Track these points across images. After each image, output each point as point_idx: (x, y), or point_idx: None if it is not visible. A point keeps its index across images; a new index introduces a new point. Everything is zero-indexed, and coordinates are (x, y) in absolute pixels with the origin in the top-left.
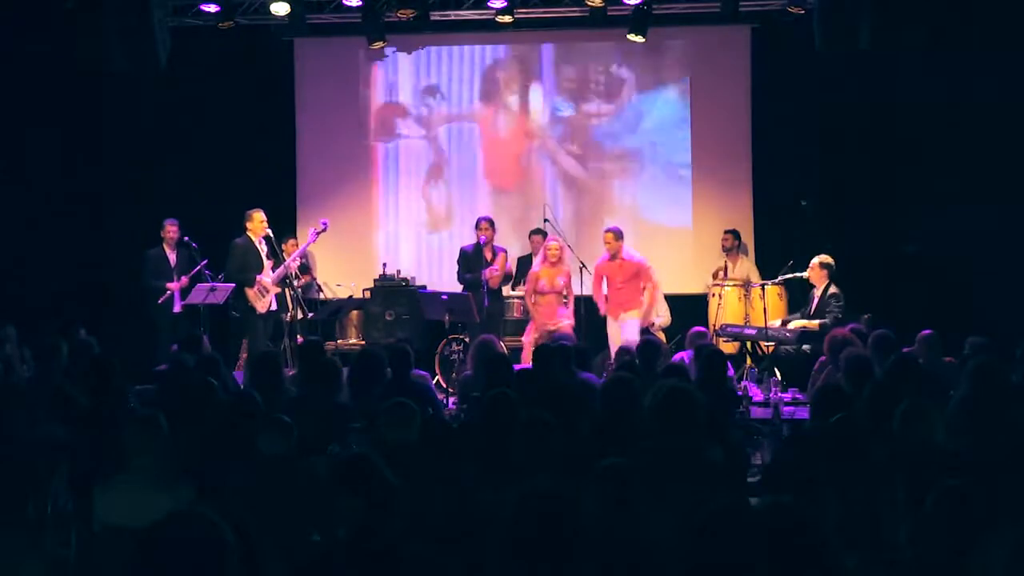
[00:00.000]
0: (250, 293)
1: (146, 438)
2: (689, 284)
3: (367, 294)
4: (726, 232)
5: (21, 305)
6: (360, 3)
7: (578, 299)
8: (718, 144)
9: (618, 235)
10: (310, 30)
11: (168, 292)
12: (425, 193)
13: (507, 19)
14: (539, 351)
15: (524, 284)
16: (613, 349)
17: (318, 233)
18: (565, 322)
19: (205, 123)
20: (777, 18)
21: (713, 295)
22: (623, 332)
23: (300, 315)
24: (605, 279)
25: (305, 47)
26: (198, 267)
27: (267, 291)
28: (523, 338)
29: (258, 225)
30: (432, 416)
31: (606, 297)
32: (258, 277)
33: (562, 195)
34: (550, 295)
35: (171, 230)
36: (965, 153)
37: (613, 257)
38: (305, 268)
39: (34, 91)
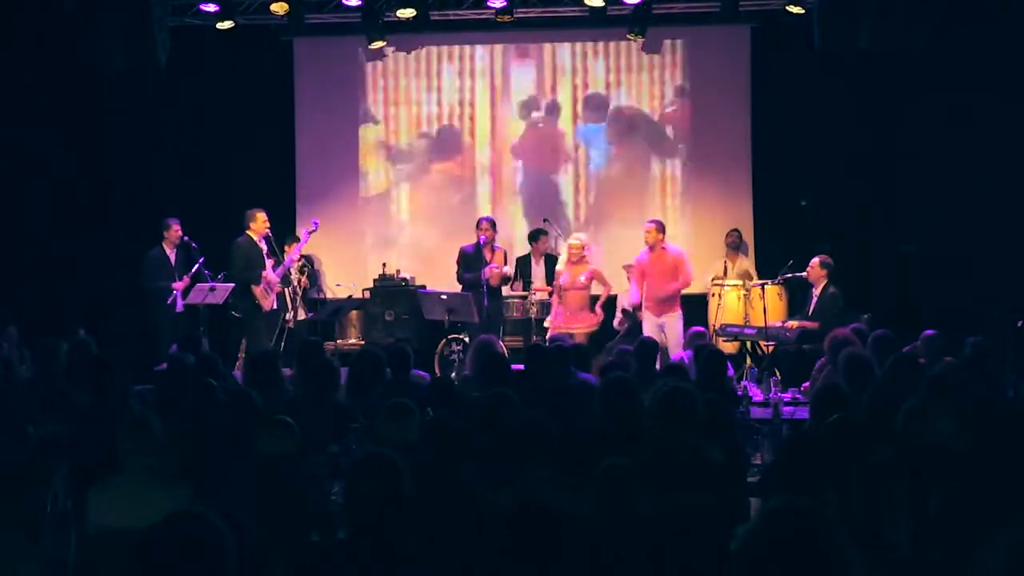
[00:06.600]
0: (257, 291)
1: (138, 440)
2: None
3: (367, 294)
4: (731, 231)
5: (21, 305)
6: (360, 3)
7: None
8: (718, 144)
9: (660, 227)
10: (309, 30)
11: (174, 292)
12: (425, 193)
13: (507, 19)
14: (535, 351)
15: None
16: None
17: (310, 233)
18: (581, 328)
19: (205, 123)
20: (777, 18)
21: (713, 295)
22: (667, 336)
23: (301, 315)
24: (643, 273)
25: (305, 47)
26: (196, 266)
27: (272, 288)
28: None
29: (260, 224)
30: (432, 416)
31: (643, 293)
32: (264, 274)
33: (562, 194)
34: (572, 292)
35: (175, 229)
36: (965, 153)
37: (652, 249)
38: (313, 277)
39: (34, 91)
